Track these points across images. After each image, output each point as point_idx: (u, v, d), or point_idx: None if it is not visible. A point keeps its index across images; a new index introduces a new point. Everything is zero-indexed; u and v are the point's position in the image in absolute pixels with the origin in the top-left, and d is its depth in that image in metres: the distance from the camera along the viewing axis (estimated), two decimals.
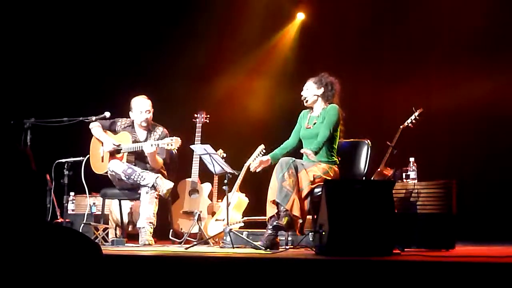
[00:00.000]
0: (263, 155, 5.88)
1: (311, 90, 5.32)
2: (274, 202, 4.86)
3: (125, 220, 6.28)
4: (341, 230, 4.10)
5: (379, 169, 5.29)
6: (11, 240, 1.67)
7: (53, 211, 6.07)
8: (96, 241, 4.96)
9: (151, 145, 5.69)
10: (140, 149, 5.74)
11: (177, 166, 6.17)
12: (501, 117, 6.72)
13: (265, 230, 4.93)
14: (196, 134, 6.38)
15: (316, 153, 5.00)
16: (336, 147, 5.21)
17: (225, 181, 5.25)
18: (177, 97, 7.62)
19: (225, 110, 7.53)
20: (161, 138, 5.81)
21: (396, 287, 3.31)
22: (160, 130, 5.94)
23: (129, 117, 5.97)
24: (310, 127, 5.27)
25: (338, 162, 5.19)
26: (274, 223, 4.80)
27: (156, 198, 5.68)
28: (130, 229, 6.32)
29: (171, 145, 5.61)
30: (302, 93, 5.36)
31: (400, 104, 6.78)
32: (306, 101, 5.34)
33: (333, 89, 5.30)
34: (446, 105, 6.89)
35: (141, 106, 5.89)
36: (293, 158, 5.01)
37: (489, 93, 6.74)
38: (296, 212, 4.79)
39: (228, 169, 5.36)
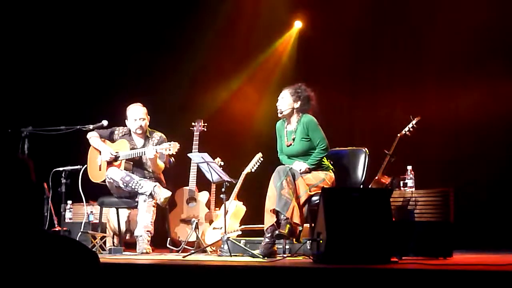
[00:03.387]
0: (260, 163, 5.90)
1: (286, 100, 5.20)
2: (273, 211, 4.85)
3: (123, 228, 6.28)
4: (338, 238, 4.09)
5: (376, 177, 5.30)
6: (8, 249, 1.67)
7: (50, 219, 6.06)
8: (94, 249, 4.96)
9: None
10: (138, 155, 5.75)
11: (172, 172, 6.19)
12: (498, 125, 6.73)
13: (262, 239, 4.93)
14: (194, 142, 6.38)
15: (311, 169, 5.05)
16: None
17: (223, 189, 5.25)
18: (174, 105, 7.62)
19: (223, 118, 7.54)
20: (159, 144, 5.82)
21: None
22: (158, 135, 5.95)
23: (126, 126, 5.99)
24: (291, 144, 5.23)
25: (331, 167, 5.19)
26: (276, 232, 4.79)
27: (153, 206, 5.67)
28: (127, 237, 6.32)
29: (169, 150, 5.61)
30: (277, 104, 5.24)
31: (398, 112, 6.81)
32: (281, 113, 5.22)
33: (309, 103, 5.23)
34: (443, 114, 6.91)
35: (135, 114, 5.90)
36: (290, 166, 5.02)
37: (486, 101, 6.75)
38: (297, 219, 4.80)
39: (226, 177, 5.36)
